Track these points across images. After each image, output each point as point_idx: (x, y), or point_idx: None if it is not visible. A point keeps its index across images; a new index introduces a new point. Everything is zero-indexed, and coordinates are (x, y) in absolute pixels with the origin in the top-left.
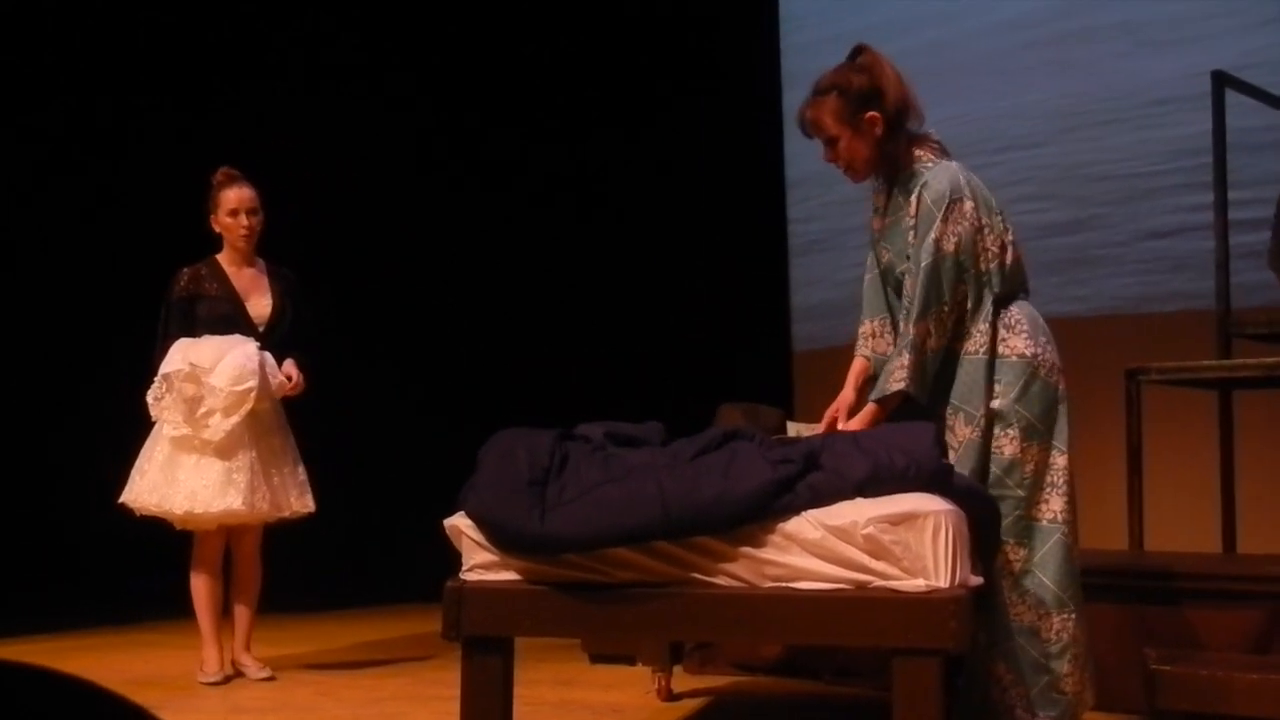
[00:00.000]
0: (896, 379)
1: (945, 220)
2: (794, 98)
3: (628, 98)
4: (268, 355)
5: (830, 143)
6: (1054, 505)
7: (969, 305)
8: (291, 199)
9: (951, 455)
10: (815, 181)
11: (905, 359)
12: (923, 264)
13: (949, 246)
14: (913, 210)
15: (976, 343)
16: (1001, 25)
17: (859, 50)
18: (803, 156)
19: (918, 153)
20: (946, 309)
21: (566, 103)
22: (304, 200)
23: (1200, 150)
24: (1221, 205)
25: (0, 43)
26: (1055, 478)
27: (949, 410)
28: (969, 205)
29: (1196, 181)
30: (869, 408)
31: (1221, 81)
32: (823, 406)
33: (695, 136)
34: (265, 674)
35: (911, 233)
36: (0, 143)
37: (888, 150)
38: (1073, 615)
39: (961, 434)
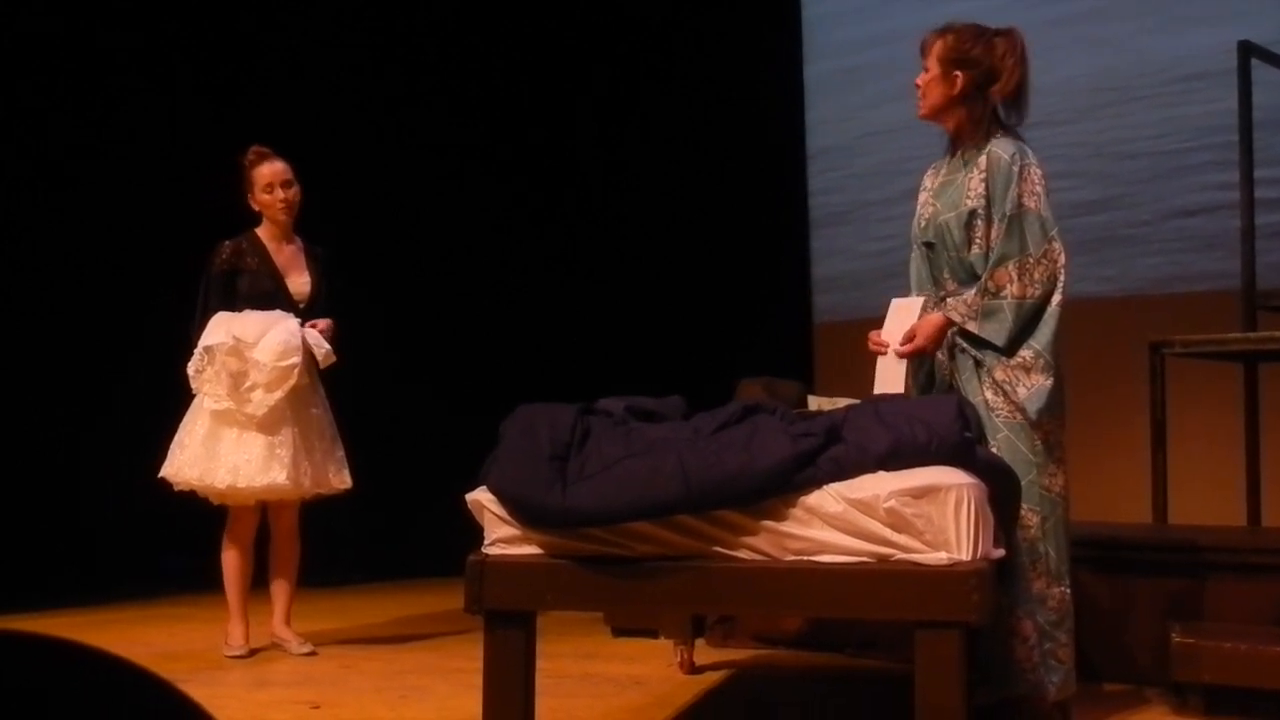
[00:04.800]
0: (957, 310)
1: (1021, 180)
2: (815, 70)
3: (649, 70)
4: (309, 331)
5: (924, 69)
6: (1059, 479)
7: (1061, 260)
8: (315, 183)
9: (1022, 393)
10: (837, 153)
11: (970, 296)
12: (1007, 214)
13: (1030, 203)
14: (983, 165)
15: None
16: None
17: (1007, 30)
18: (824, 128)
19: (999, 137)
20: (1031, 260)
21: (588, 77)
22: (328, 183)
23: (1230, 128)
24: (1247, 176)
25: (31, 33)
26: (1060, 453)
27: (1031, 354)
28: (1037, 171)
29: (1226, 159)
30: (937, 316)
31: (1248, 52)
32: (843, 378)
33: (716, 109)
34: (306, 649)
35: (983, 185)
36: (34, 122)
37: (960, 112)
38: (1069, 589)
39: (1035, 379)
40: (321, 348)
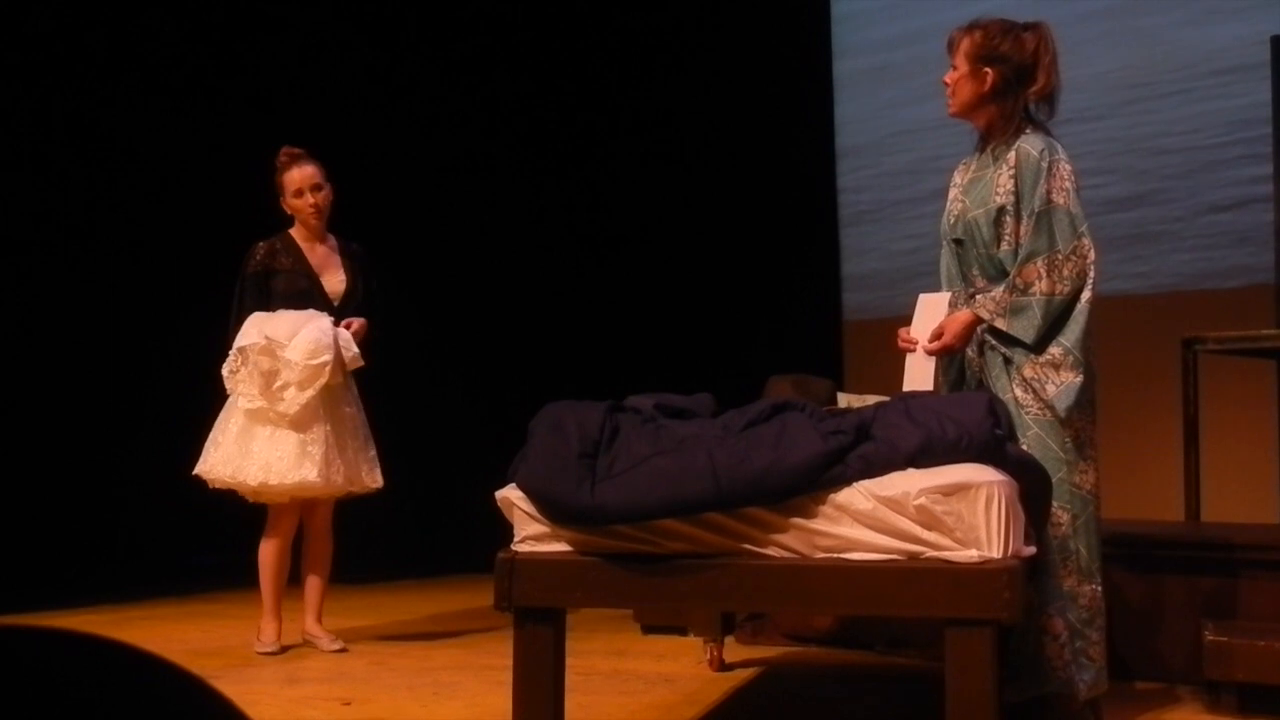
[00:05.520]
0: (985, 307)
1: (1050, 176)
2: (844, 67)
3: (678, 66)
4: (342, 330)
5: (953, 66)
6: (1090, 477)
7: (1091, 256)
8: (342, 178)
9: (1051, 390)
10: (866, 151)
11: (999, 293)
12: (1036, 211)
13: (1059, 199)
14: (1012, 161)
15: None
16: None
17: (1035, 25)
18: (853, 126)
19: (1029, 133)
20: (1060, 256)
21: (618, 73)
22: (341, 183)
23: (1261, 121)
24: None
25: (65, 26)
26: (1091, 450)
27: (1060, 351)
28: (1066, 167)
29: (1258, 153)
30: (965, 312)
31: None
32: (873, 376)
33: (745, 106)
34: (337, 645)
35: (1012, 182)
36: (70, 118)
37: (991, 109)
38: (1099, 587)
39: (1065, 376)
40: (349, 350)
